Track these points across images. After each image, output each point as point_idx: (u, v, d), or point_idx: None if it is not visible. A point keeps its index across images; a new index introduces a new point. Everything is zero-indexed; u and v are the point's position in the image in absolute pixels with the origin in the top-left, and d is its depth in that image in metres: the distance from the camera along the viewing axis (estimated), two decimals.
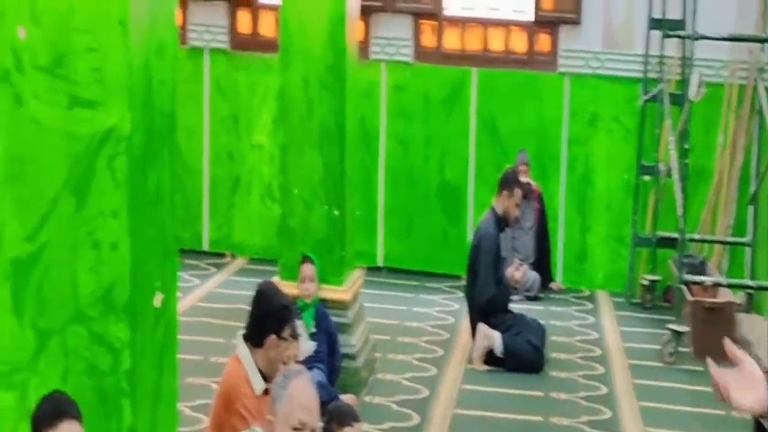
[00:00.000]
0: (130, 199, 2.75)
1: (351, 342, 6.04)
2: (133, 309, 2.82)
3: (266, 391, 4.00)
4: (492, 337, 6.63)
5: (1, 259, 2.80)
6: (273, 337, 3.99)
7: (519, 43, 8.79)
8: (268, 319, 4.03)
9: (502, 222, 6.88)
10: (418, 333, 7.41)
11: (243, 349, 4.03)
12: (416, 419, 5.75)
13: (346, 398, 4.99)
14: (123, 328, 2.80)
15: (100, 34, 2.70)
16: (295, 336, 4.19)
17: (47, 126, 2.74)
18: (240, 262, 9.11)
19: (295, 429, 2.92)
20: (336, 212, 5.93)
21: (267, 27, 8.96)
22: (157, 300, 2.98)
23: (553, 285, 8.64)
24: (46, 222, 2.76)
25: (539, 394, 6.30)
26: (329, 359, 5.63)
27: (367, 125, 8.68)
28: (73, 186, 2.74)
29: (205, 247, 9.15)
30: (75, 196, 2.75)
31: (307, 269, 5.63)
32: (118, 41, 2.70)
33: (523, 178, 7.71)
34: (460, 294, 8.03)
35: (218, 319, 7.24)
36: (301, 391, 2.94)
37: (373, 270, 8.66)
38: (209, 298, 7.97)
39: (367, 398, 5.96)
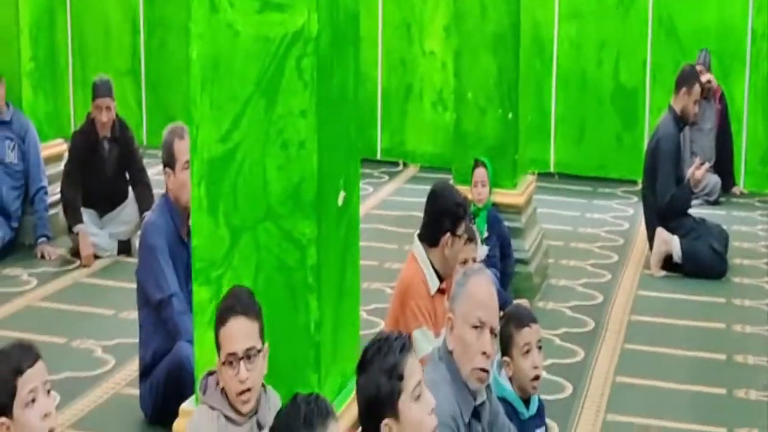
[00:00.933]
0: (317, 99, 2.81)
1: (524, 247, 6.04)
2: (319, 206, 2.91)
3: (441, 291, 4.09)
4: (670, 242, 6.48)
5: (197, 160, 2.93)
6: (447, 235, 4.03)
7: None
8: (442, 217, 4.06)
9: (680, 121, 6.64)
10: (592, 239, 7.33)
11: (419, 249, 4.09)
12: (591, 325, 5.74)
13: (520, 303, 5.02)
14: (310, 225, 2.90)
15: None
16: (471, 235, 4.22)
17: (240, 30, 2.82)
18: (412, 170, 9.22)
19: (474, 327, 2.91)
20: (510, 116, 5.90)
21: None
22: (341, 198, 3.06)
23: (735, 189, 8.36)
24: (238, 123, 2.86)
25: (720, 300, 6.14)
26: (501, 264, 5.67)
27: (540, 29, 8.52)
28: (264, 87, 2.83)
29: (378, 155, 9.30)
30: (265, 97, 2.83)
31: (480, 173, 5.66)
32: None
33: (704, 77, 7.42)
34: (636, 199, 7.90)
35: (392, 226, 7.38)
36: (481, 289, 2.94)
37: (546, 176, 8.60)
38: (383, 206, 8.12)
39: (540, 304, 5.97)
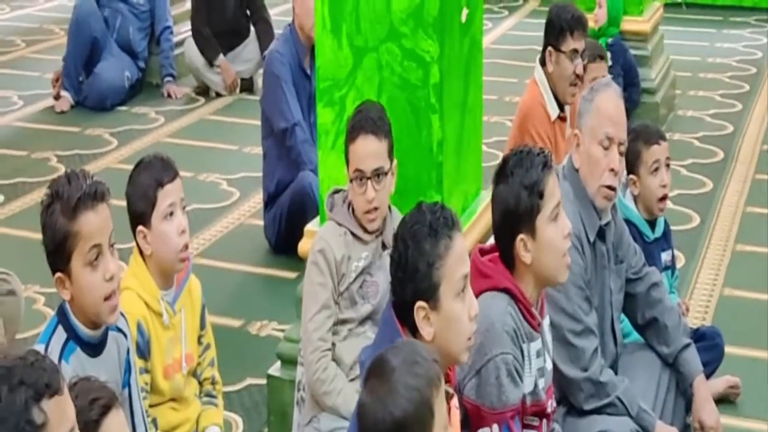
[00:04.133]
0: None
1: (650, 76, 5.87)
2: (442, 24, 2.84)
3: (562, 119, 3.98)
4: None
5: None
6: (549, 48, 3.90)
7: None
8: (550, 30, 3.93)
9: None
10: (722, 68, 7.05)
11: (539, 74, 3.98)
12: (720, 155, 5.57)
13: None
14: (432, 44, 2.84)
15: None
16: (595, 52, 4.03)
17: None
18: (532, 3, 8.96)
19: (601, 143, 2.82)
20: None
21: None
22: (464, 15, 2.98)
23: None
24: None
25: None
26: (626, 92, 5.48)
27: None
28: None
29: None
30: None
31: None
32: None
33: None
34: None
35: (511, 60, 7.23)
36: (609, 103, 2.82)
37: (673, 6, 8.22)
38: (502, 40, 7.96)
39: (667, 135, 5.78)
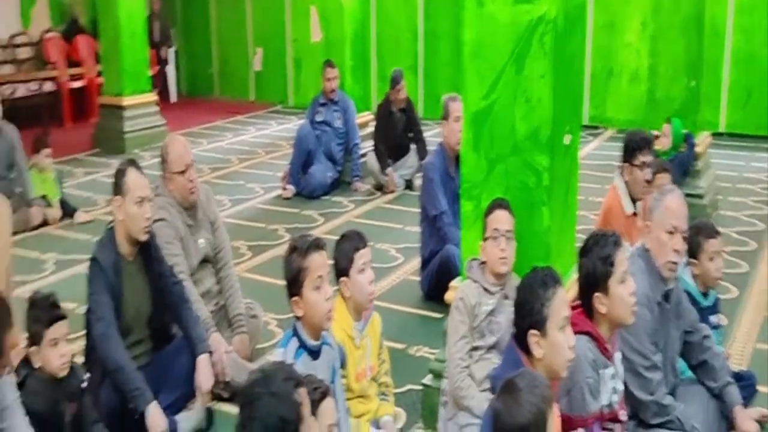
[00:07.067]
0: (553, 65, 2.72)
1: (700, 184, 5.61)
2: (552, 144, 2.84)
3: (634, 214, 3.88)
4: None
5: (467, 112, 2.93)
6: (626, 164, 3.82)
7: None
8: (626, 149, 3.85)
9: None
10: (754, 181, 6.68)
11: (618, 180, 3.90)
12: (753, 245, 5.25)
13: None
14: (544, 158, 2.84)
15: None
16: (660, 166, 3.94)
17: (499, 19, 2.78)
18: (610, 132, 8.78)
19: (668, 232, 2.76)
20: (692, 83, 5.45)
21: None
22: (567, 139, 2.97)
23: None
24: (495, 85, 2.83)
25: None
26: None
27: (716, 20, 7.77)
28: (515, 58, 2.77)
29: (585, 121, 8.91)
30: (515, 65, 2.78)
31: (666, 128, 5.31)
32: None
33: None
34: None
35: (594, 171, 7.06)
36: (675, 202, 2.76)
37: (716, 135, 7.90)
38: (587, 158, 7.79)
39: None
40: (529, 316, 2.12)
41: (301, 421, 1.57)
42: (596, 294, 2.39)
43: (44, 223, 5.70)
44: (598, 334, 2.39)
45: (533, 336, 2.10)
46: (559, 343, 2.11)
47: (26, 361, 2.48)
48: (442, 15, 9.48)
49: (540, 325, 2.11)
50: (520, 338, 2.14)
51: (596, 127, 8.85)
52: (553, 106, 2.78)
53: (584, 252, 2.43)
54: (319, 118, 6.68)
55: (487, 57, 2.82)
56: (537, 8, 2.70)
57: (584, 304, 2.44)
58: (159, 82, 10.06)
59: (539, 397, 1.70)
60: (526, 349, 2.12)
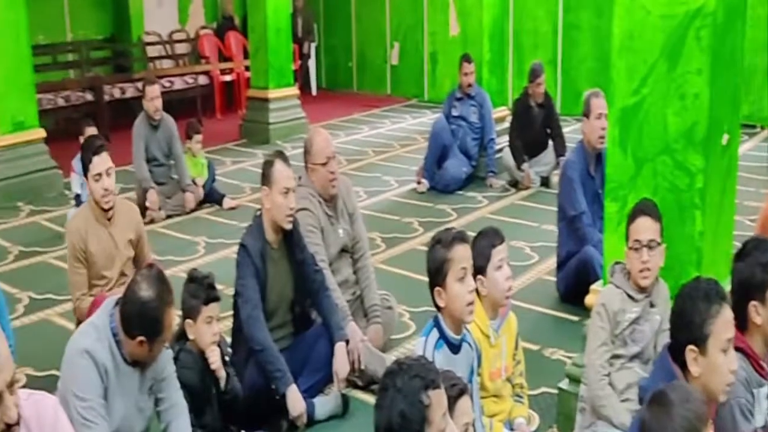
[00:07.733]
0: (711, 60, 2.57)
1: None
2: (707, 144, 2.68)
3: None
4: None
5: (613, 108, 2.82)
6: None
7: None
8: None
9: None
10: None
11: None
12: None
13: None
14: (698, 158, 2.69)
15: None
16: None
17: (651, 10, 2.65)
18: (766, 132, 8.15)
19: None
20: None
21: None
22: (725, 139, 2.79)
23: None
24: (646, 80, 2.70)
25: None
26: None
27: None
28: (668, 53, 2.64)
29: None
30: (668, 60, 2.64)
31: None
32: None
33: None
34: None
35: (749, 173, 6.56)
36: None
37: None
38: (743, 159, 7.23)
39: None
40: (688, 331, 2.00)
41: (427, 423, 1.53)
42: (752, 302, 2.21)
43: (198, 208, 6.06)
44: (752, 350, 2.22)
45: (692, 352, 1.97)
46: (719, 366, 1.98)
47: (178, 337, 2.65)
48: (583, 6, 9.16)
49: (700, 342, 1.99)
50: (676, 351, 2.02)
51: (753, 126, 8.24)
52: (711, 103, 2.62)
53: (741, 256, 2.27)
54: (455, 112, 6.67)
55: (638, 50, 2.70)
56: (694, 0, 2.55)
57: (737, 314, 2.26)
58: (300, 76, 10.43)
59: (692, 413, 1.60)
60: (682, 364, 2.00)
